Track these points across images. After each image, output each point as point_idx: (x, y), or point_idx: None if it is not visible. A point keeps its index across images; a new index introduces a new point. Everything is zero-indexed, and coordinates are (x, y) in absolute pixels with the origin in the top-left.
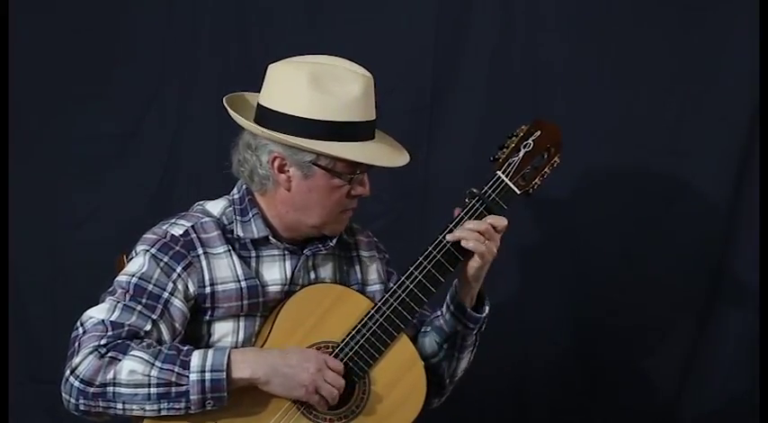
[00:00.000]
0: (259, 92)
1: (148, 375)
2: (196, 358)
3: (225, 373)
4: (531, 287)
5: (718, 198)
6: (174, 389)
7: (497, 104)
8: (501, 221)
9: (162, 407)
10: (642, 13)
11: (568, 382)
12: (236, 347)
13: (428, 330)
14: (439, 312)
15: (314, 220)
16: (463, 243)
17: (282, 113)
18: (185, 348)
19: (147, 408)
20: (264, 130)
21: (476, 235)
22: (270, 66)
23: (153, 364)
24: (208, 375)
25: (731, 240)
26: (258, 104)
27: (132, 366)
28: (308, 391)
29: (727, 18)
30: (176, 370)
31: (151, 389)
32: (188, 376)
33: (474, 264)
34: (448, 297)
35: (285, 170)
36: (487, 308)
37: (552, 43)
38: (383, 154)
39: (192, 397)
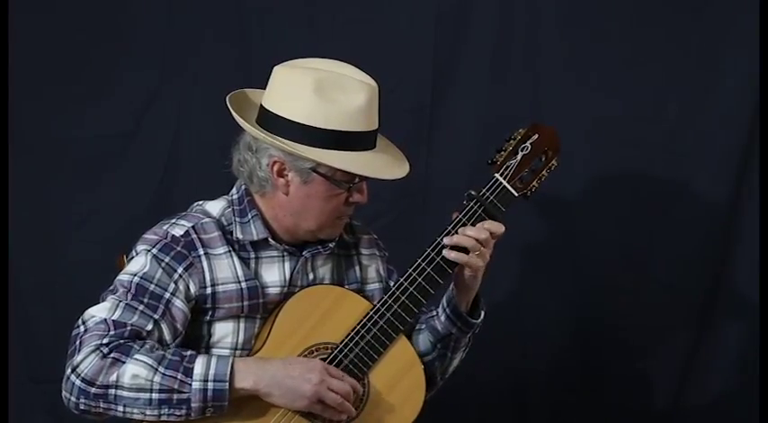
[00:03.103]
0: (260, 89)
1: (151, 381)
2: (199, 366)
3: (228, 384)
4: (531, 287)
5: (718, 198)
6: (175, 396)
7: (497, 104)
8: (498, 228)
9: (162, 412)
10: (642, 12)
11: (568, 382)
12: (236, 349)
13: (422, 328)
14: (434, 313)
15: (310, 225)
16: (449, 255)
17: (284, 118)
18: (188, 354)
19: (148, 412)
20: (266, 135)
21: (471, 241)
22: (276, 67)
23: (156, 370)
24: (210, 384)
25: (731, 241)
26: (261, 106)
27: (135, 370)
28: (310, 402)
29: (727, 18)
30: (179, 377)
31: (153, 394)
32: (191, 384)
33: (467, 272)
34: (444, 299)
35: (284, 175)
36: (483, 313)
37: (552, 43)
38: (382, 165)
39: (193, 405)
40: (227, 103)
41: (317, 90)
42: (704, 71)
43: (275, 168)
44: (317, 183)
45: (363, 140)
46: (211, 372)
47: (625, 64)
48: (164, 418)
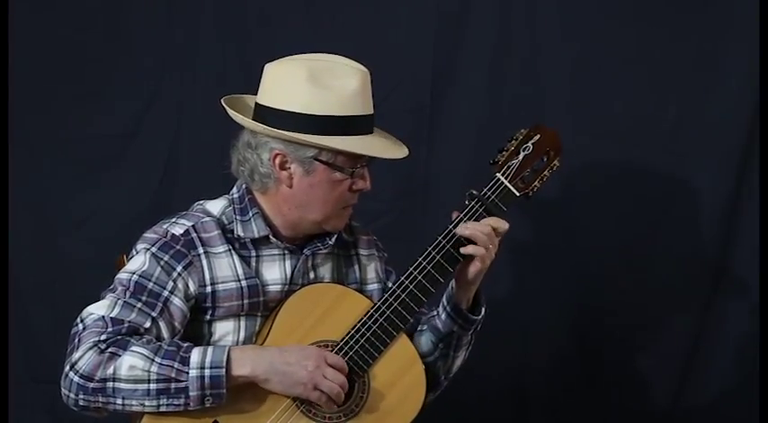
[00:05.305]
0: (253, 95)
1: (148, 371)
2: (195, 355)
3: (224, 370)
4: (531, 287)
5: (718, 198)
6: (173, 385)
7: (497, 104)
8: (503, 225)
9: (161, 403)
10: (642, 12)
11: (568, 382)
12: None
13: (424, 329)
14: (435, 312)
15: (316, 216)
16: (465, 249)
17: (282, 110)
18: (185, 345)
19: (147, 403)
20: (266, 127)
21: (483, 237)
22: (266, 65)
23: (153, 360)
24: (207, 372)
25: (731, 240)
26: (256, 104)
27: (132, 362)
28: (306, 388)
29: (727, 18)
30: (176, 366)
31: (150, 384)
32: (187, 372)
33: (473, 267)
34: (444, 298)
35: (286, 167)
36: (484, 310)
37: (551, 43)
38: (383, 146)
39: (191, 393)
40: (223, 103)
41: (310, 79)
42: (704, 71)
43: (277, 161)
44: (319, 171)
45: (362, 124)
46: (208, 359)
47: (625, 64)
48: (162, 408)
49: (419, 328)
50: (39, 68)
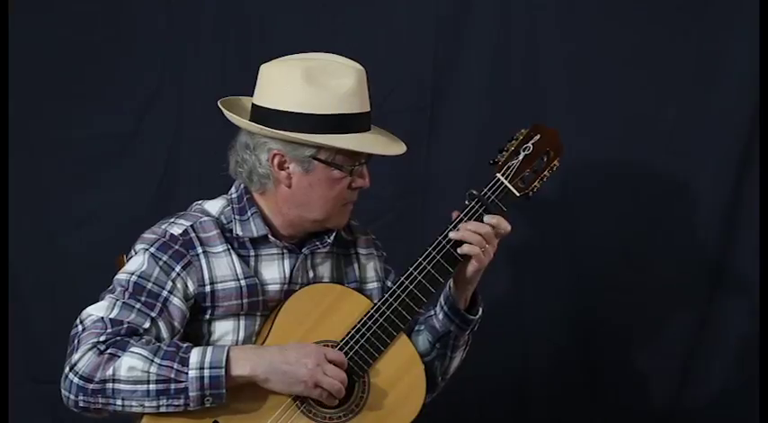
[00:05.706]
0: (249, 97)
1: (147, 372)
2: (195, 355)
3: (224, 370)
4: (531, 287)
5: (717, 198)
6: (172, 385)
7: (498, 104)
8: (503, 224)
9: (161, 403)
10: (642, 12)
11: (568, 382)
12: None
13: (421, 329)
14: (432, 312)
15: (316, 215)
16: (461, 248)
17: (279, 110)
18: (185, 345)
19: (146, 404)
20: (263, 127)
21: (476, 237)
22: (262, 66)
23: (152, 361)
24: (206, 372)
25: (731, 240)
26: (253, 105)
27: (132, 363)
28: (307, 386)
29: (727, 18)
30: (175, 366)
31: (150, 385)
32: (187, 373)
33: (471, 267)
34: (442, 297)
35: (285, 167)
36: (481, 309)
37: (552, 43)
38: (381, 143)
39: (190, 393)
40: (220, 105)
41: (306, 78)
42: (704, 71)
43: (275, 161)
44: (318, 170)
45: (359, 122)
46: (207, 359)
47: (625, 64)
48: (162, 408)
49: (416, 328)
50: (39, 68)
